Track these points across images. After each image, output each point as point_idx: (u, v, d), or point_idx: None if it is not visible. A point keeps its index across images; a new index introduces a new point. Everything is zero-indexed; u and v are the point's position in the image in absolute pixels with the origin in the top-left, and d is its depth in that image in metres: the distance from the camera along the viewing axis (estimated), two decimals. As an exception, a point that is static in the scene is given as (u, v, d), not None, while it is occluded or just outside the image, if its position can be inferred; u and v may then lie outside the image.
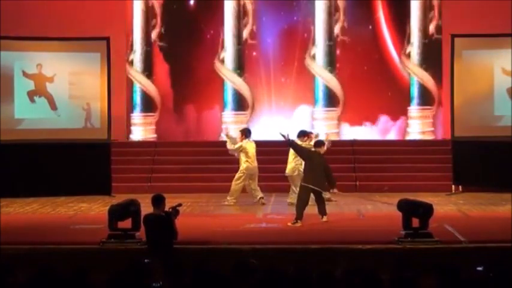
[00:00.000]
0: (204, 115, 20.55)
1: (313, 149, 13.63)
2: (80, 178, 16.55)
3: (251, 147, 15.37)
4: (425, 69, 20.05)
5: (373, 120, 20.20)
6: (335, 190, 13.80)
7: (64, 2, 19.19)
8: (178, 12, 20.56)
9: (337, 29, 20.22)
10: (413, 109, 20.17)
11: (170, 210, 9.89)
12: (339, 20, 20.26)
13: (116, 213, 10.78)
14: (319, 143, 13.62)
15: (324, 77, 20.20)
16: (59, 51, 17.24)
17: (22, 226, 12.69)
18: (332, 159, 16.43)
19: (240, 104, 20.36)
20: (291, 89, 20.42)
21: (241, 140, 15.44)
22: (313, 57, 20.25)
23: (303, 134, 15.18)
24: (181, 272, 6.98)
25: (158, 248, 9.60)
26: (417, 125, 20.16)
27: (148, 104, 20.49)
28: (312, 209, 13.55)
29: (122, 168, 17.87)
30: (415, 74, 20.11)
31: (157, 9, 20.55)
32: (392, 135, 20.22)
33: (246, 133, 15.63)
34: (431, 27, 20.00)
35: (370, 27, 20.36)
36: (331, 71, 20.19)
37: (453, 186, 17.03)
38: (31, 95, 16.99)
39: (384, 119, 20.26)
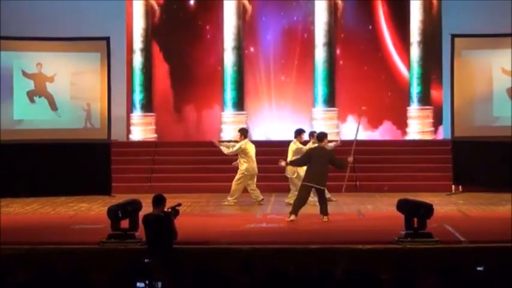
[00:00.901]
0: (204, 115, 20.55)
1: (314, 146, 13.60)
2: (80, 178, 16.55)
3: (250, 148, 15.33)
4: (425, 69, 20.05)
5: (373, 120, 20.19)
6: (350, 159, 14.95)
7: (64, 2, 19.19)
8: (178, 12, 20.57)
9: (337, 29, 20.22)
10: (413, 109, 20.18)
11: (169, 210, 9.89)
12: (339, 20, 20.27)
13: (115, 213, 10.77)
14: (321, 136, 13.44)
15: (323, 77, 20.18)
16: (59, 51, 17.23)
17: (22, 226, 12.68)
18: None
19: (240, 104, 20.36)
20: (291, 89, 20.42)
21: (240, 140, 15.39)
22: (313, 57, 20.25)
23: (299, 133, 15.21)
24: (181, 272, 6.99)
25: (158, 248, 9.60)
26: (417, 125, 20.16)
27: (148, 104, 20.49)
28: (312, 209, 13.56)
29: (122, 168, 17.87)
30: (415, 74, 20.10)
31: (157, 9, 20.56)
32: (392, 135, 20.21)
33: (244, 133, 15.59)
34: (431, 27, 19.99)
35: (370, 27, 20.37)
36: (331, 71, 20.18)
37: (453, 186, 17.03)
38: (31, 95, 16.99)
39: (383, 119, 20.26)
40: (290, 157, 14.87)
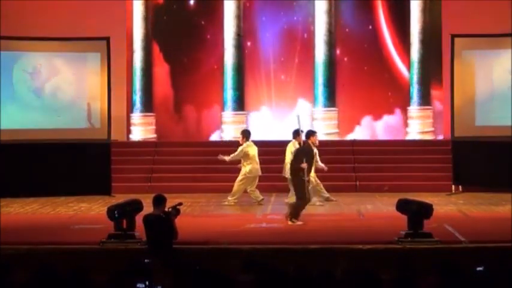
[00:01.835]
0: (204, 115, 20.55)
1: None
2: (80, 178, 16.54)
3: (252, 149, 15.24)
4: (425, 69, 20.04)
5: (373, 120, 20.18)
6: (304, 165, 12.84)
7: (64, 2, 19.18)
8: (178, 13, 20.56)
9: (337, 29, 20.21)
10: (413, 109, 20.17)
11: (170, 209, 9.89)
12: (339, 20, 20.26)
13: (114, 213, 10.77)
14: (308, 134, 13.74)
15: (323, 77, 20.18)
16: (59, 51, 17.24)
17: (22, 226, 12.69)
18: (332, 159, 16.53)
19: (240, 104, 20.35)
20: (291, 89, 20.41)
21: (242, 143, 15.31)
22: (313, 57, 20.24)
23: (297, 134, 15.13)
24: (181, 272, 6.98)
25: (158, 248, 9.60)
26: (417, 125, 20.15)
27: (148, 104, 20.48)
28: (312, 209, 13.57)
29: (122, 168, 17.87)
30: (415, 74, 20.10)
31: (157, 9, 20.55)
32: (392, 135, 20.21)
33: (246, 135, 15.49)
34: (431, 27, 19.98)
35: (370, 27, 20.37)
36: (331, 71, 20.17)
37: (453, 186, 17.02)
38: (31, 95, 16.98)
39: (383, 119, 20.26)
40: (287, 158, 14.81)
